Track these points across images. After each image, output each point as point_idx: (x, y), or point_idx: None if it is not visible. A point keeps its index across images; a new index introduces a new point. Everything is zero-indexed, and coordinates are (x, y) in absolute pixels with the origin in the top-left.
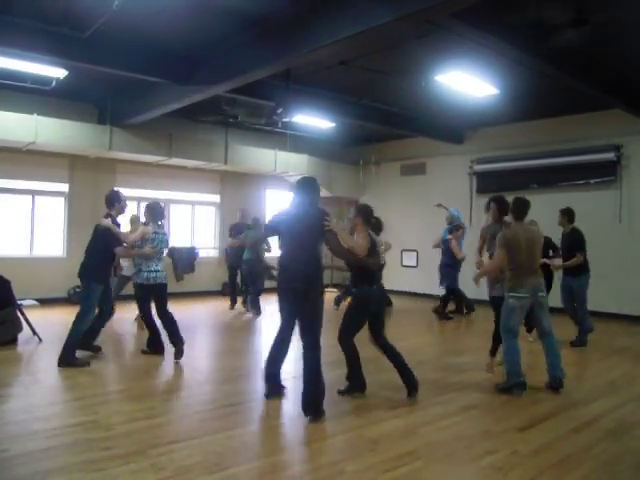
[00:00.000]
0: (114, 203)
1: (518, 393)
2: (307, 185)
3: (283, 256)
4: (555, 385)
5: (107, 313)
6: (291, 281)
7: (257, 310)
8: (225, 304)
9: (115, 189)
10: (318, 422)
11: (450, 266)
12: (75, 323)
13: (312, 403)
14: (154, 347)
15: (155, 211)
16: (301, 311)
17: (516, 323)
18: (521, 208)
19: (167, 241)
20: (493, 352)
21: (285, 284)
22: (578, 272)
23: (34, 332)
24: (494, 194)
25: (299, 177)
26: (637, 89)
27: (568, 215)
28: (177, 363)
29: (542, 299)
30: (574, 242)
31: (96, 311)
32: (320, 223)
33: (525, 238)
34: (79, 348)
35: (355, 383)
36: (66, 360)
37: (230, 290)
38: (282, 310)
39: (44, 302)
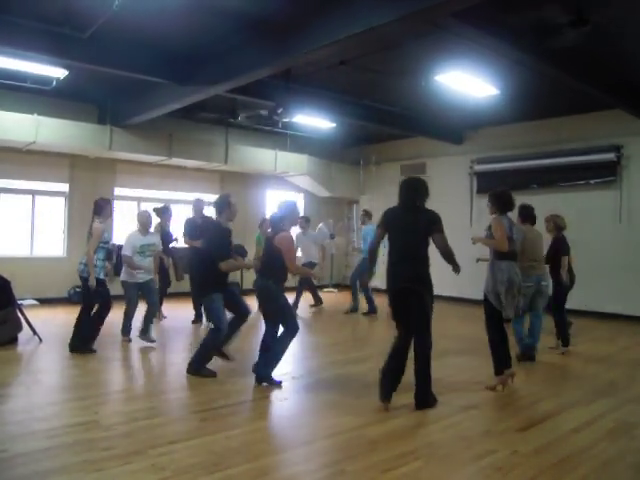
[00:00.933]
0: (224, 209)
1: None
2: (412, 186)
3: (391, 256)
4: (526, 352)
5: (243, 314)
6: (398, 282)
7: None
8: None
9: (226, 194)
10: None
11: None
12: (208, 337)
13: (421, 397)
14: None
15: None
16: (413, 311)
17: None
18: (527, 212)
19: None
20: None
21: (393, 285)
22: None
23: (34, 332)
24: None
25: (405, 178)
26: (637, 89)
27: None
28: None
29: (544, 288)
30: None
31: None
32: (428, 225)
33: (530, 238)
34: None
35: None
36: (197, 369)
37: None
38: (395, 313)
39: (44, 302)
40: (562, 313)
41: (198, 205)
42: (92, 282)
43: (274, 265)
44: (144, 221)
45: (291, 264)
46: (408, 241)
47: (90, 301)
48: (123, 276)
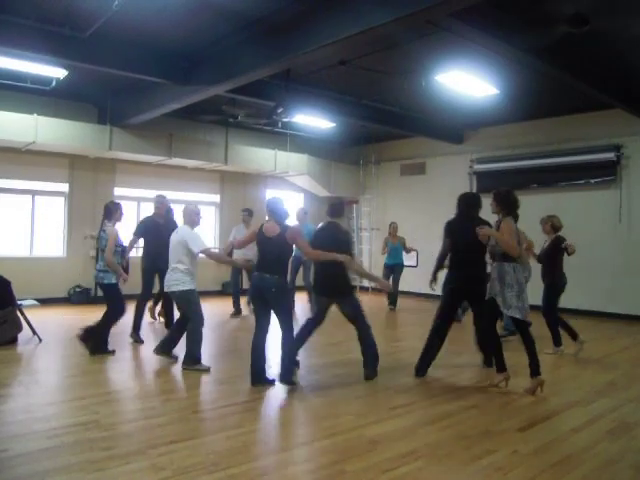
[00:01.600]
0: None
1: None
2: (470, 200)
3: (452, 261)
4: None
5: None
6: (456, 282)
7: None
8: (225, 305)
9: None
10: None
11: None
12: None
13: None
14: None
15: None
16: (473, 301)
17: None
18: None
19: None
20: (491, 363)
21: (450, 284)
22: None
23: (34, 332)
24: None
25: (463, 192)
26: (637, 89)
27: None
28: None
29: None
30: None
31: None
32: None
33: None
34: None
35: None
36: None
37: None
38: (445, 306)
39: (44, 302)
40: (555, 314)
41: (162, 203)
42: (125, 276)
43: (285, 261)
44: (194, 219)
45: (307, 251)
46: (470, 248)
47: (118, 305)
48: (187, 285)
